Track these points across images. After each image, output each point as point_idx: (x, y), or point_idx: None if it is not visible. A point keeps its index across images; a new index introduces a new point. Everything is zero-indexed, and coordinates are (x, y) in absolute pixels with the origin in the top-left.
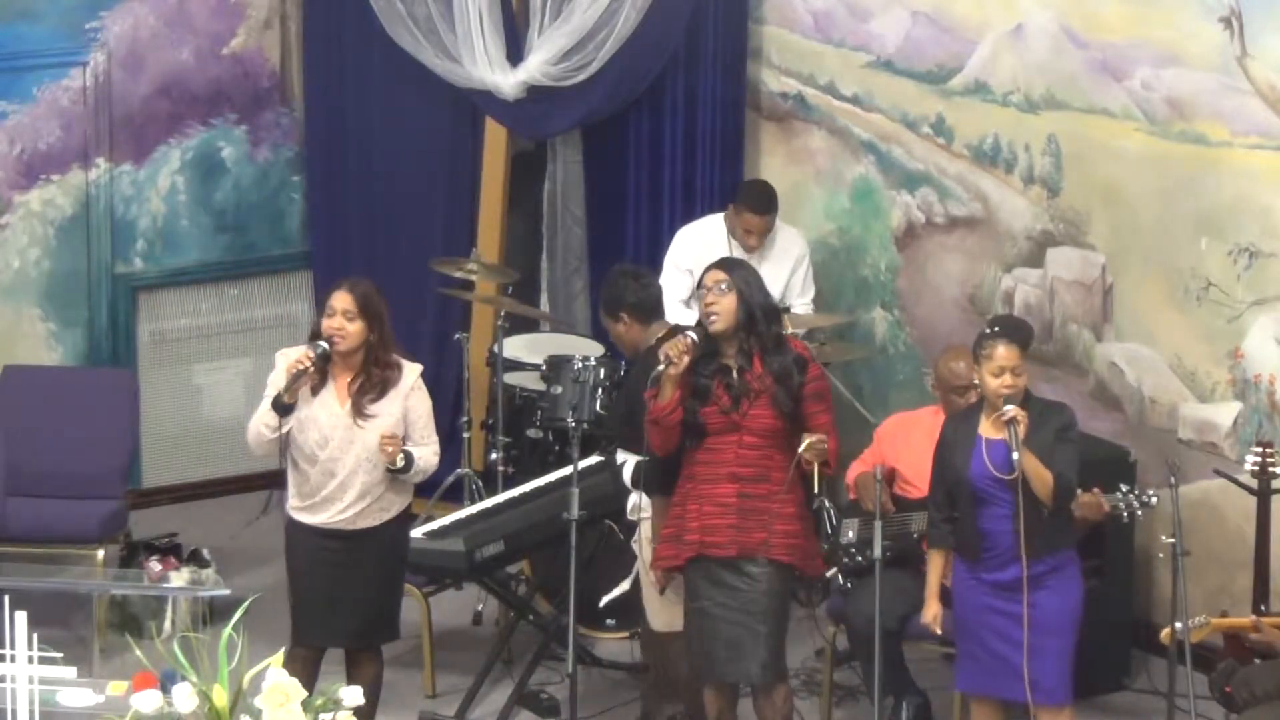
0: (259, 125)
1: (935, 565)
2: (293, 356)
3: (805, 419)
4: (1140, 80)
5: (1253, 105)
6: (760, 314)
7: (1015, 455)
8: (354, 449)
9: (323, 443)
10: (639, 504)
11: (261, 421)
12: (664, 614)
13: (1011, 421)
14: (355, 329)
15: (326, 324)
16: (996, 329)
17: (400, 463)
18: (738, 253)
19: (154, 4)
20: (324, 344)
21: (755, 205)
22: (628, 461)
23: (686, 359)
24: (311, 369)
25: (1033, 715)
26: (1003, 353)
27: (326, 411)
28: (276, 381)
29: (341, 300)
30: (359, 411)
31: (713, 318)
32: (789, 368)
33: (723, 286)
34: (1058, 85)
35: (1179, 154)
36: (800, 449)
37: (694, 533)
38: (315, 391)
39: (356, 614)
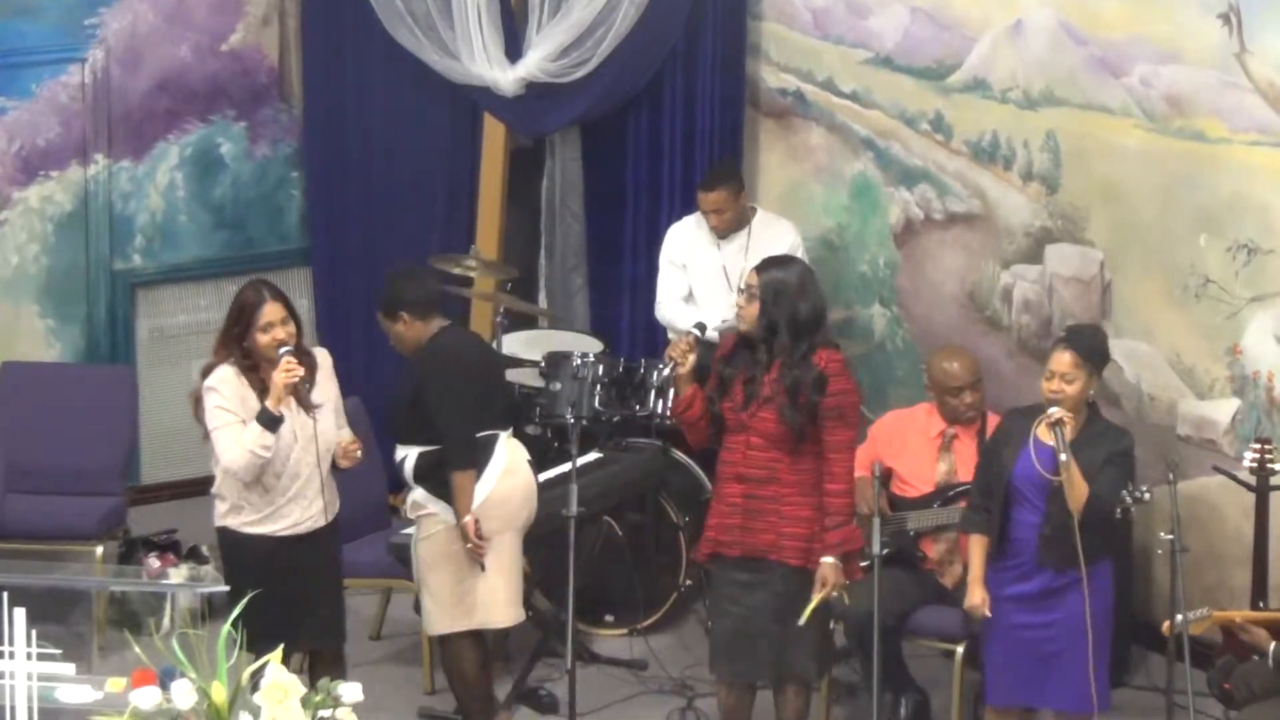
0: (258, 121)
1: (977, 551)
2: (231, 383)
3: (822, 433)
4: (1139, 77)
5: (1251, 102)
6: (784, 325)
7: (1063, 456)
8: (315, 444)
9: (288, 446)
10: (418, 500)
11: (257, 444)
12: (441, 618)
13: (1057, 423)
14: (292, 331)
15: (272, 337)
16: (1064, 335)
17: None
18: (718, 244)
19: (153, 0)
20: (289, 349)
21: (701, 183)
22: (408, 456)
23: (691, 357)
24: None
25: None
26: (1056, 357)
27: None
28: (233, 406)
29: (279, 310)
30: (306, 405)
31: (738, 320)
32: (803, 383)
33: (752, 291)
34: (1056, 82)
35: (1178, 151)
36: (805, 614)
37: (711, 529)
38: (262, 400)
39: (335, 611)
